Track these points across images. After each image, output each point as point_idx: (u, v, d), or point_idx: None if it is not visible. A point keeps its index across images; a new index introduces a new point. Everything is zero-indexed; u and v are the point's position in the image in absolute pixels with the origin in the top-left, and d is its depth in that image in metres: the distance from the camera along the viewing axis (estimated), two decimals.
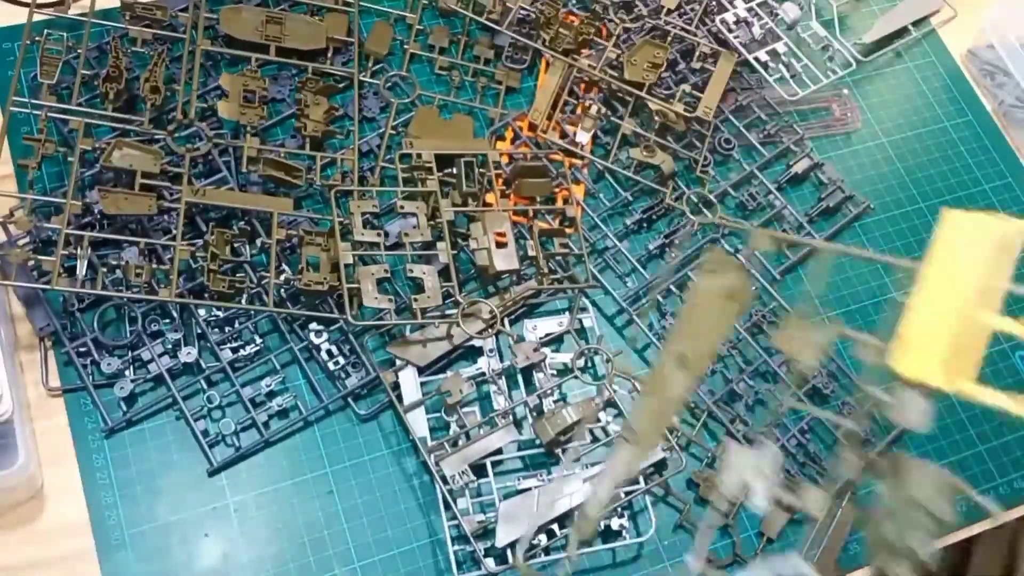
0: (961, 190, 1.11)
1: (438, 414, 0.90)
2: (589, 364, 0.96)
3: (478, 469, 0.88)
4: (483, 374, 0.92)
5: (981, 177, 1.15)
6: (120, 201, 0.89)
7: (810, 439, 0.95)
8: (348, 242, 0.90)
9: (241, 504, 0.86)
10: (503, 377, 0.92)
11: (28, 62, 0.97)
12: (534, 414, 0.91)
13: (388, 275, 0.90)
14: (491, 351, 0.93)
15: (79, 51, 0.96)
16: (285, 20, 1.03)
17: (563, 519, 0.87)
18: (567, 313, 0.96)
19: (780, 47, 1.13)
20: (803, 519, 0.93)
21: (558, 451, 0.90)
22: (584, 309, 0.97)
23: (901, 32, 1.22)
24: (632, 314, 0.98)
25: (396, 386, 0.90)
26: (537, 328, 0.95)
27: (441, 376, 0.91)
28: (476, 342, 0.93)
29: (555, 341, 0.96)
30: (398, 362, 0.91)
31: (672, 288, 1.00)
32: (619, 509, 0.88)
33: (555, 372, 0.93)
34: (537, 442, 0.90)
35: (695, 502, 0.92)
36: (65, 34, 0.97)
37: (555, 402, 0.92)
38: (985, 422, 1.02)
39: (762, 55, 1.12)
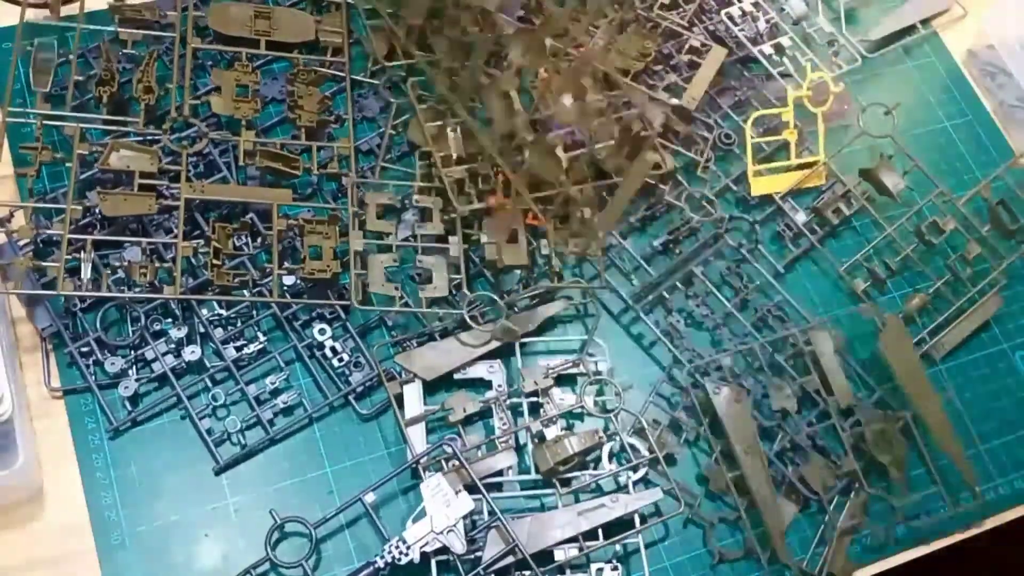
0: (961, 190, 1.11)
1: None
2: (598, 396, 0.94)
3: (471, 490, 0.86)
4: (490, 398, 0.90)
5: (981, 177, 1.15)
6: (120, 202, 0.89)
7: (818, 432, 0.95)
8: (360, 231, 0.92)
9: (241, 504, 0.86)
10: (508, 400, 0.91)
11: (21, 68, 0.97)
12: (535, 441, 0.90)
13: (397, 264, 0.91)
14: (495, 375, 0.92)
15: (70, 57, 0.96)
16: (273, 14, 1.03)
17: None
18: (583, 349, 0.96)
19: (785, 41, 1.14)
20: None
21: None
22: (598, 343, 0.96)
23: (908, 30, 1.22)
24: (638, 311, 0.98)
25: (400, 397, 0.90)
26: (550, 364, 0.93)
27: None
28: (486, 374, 0.92)
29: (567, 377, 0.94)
30: (404, 374, 0.91)
31: (677, 284, 1.00)
32: (614, 561, 0.87)
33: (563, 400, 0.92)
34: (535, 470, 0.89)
35: (705, 496, 0.92)
36: (55, 40, 0.97)
37: (561, 430, 0.90)
38: (985, 422, 1.02)
39: (766, 48, 1.12)
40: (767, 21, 1.14)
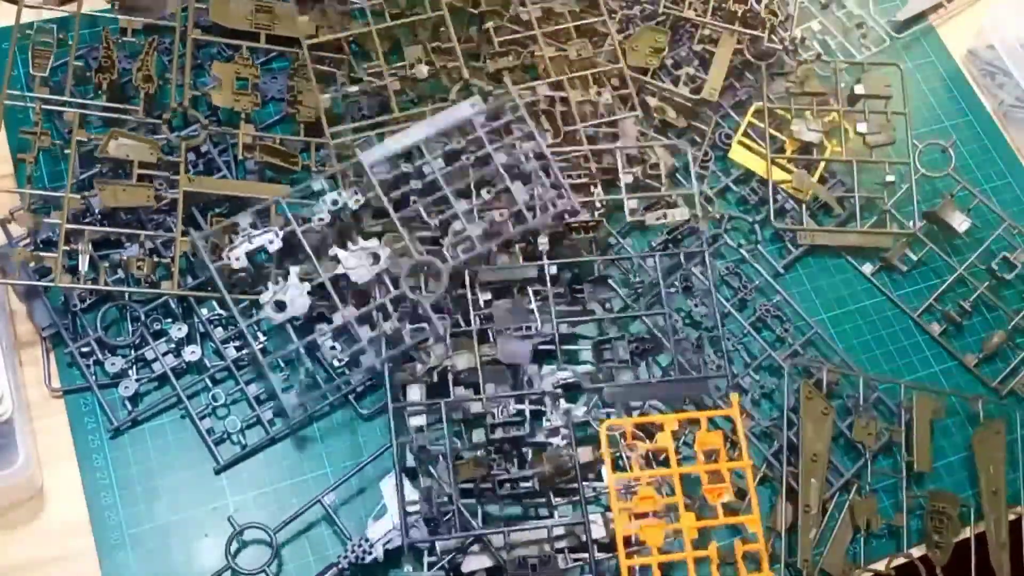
0: (961, 190, 1.11)
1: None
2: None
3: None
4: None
5: (981, 177, 1.15)
6: (118, 193, 0.89)
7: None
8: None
9: (241, 504, 0.86)
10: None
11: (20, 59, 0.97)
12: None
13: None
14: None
15: (70, 43, 0.96)
16: (275, 8, 1.03)
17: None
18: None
19: (815, 25, 1.16)
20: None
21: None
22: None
23: (933, 9, 1.24)
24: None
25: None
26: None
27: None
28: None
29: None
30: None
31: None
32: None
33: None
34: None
35: None
36: (55, 27, 0.97)
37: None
38: None
39: (797, 33, 1.14)
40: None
